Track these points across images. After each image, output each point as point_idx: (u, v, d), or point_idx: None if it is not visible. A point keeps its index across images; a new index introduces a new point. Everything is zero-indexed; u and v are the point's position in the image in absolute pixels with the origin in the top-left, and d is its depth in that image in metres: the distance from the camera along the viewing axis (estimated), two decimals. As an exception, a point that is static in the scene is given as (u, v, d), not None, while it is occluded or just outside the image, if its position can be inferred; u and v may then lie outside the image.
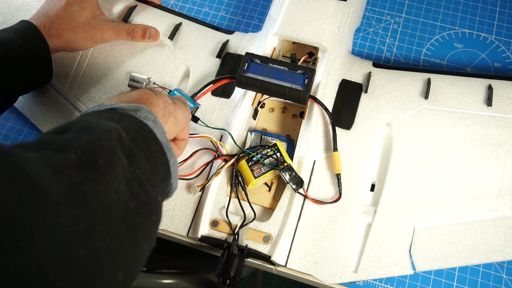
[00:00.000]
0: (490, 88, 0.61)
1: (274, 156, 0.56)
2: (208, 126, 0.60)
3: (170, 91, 0.59)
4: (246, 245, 0.54)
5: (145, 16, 0.70)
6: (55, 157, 0.32)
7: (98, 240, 0.31)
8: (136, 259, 0.35)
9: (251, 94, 0.62)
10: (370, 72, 0.64)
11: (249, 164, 0.56)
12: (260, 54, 0.63)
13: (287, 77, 0.57)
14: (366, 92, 0.62)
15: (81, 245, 0.30)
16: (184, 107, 0.52)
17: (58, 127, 0.37)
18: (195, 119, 0.58)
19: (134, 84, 0.61)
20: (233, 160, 0.57)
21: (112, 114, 0.42)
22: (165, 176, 0.43)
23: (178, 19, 0.70)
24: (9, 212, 0.26)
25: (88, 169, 0.33)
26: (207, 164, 0.58)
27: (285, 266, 0.55)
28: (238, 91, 0.63)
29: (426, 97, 0.61)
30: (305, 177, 0.57)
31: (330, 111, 0.60)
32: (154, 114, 0.44)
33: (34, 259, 0.27)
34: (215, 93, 0.64)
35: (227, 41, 0.68)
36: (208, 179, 0.57)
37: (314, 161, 0.59)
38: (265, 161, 0.56)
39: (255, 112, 0.63)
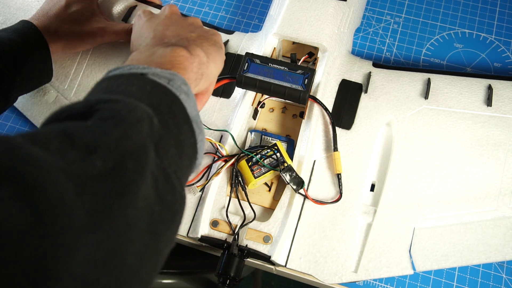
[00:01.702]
0: (490, 88, 0.61)
1: (274, 156, 0.56)
2: (209, 129, 0.60)
3: None
4: (246, 245, 0.54)
5: (145, 16, 0.70)
6: (78, 165, 0.28)
7: (121, 262, 0.28)
8: (155, 269, 0.32)
9: (251, 94, 0.62)
10: (370, 72, 0.64)
11: (249, 164, 0.56)
12: (260, 54, 0.63)
13: (287, 77, 0.57)
14: (366, 92, 0.62)
15: (103, 273, 0.26)
16: (219, 58, 0.48)
17: (84, 105, 0.33)
18: None
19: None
20: (233, 160, 0.57)
21: (143, 84, 0.37)
22: (191, 160, 0.40)
23: (178, 19, 0.70)
24: (29, 248, 0.22)
25: (115, 179, 0.29)
26: (207, 167, 0.58)
27: (285, 266, 0.55)
28: (238, 91, 0.63)
29: (426, 97, 0.61)
30: (305, 177, 0.57)
31: (330, 111, 0.60)
32: (187, 84, 0.40)
33: None
34: (215, 93, 0.64)
35: (227, 41, 0.68)
36: (208, 179, 0.57)
37: (314, 161, 0.59)
38: (265, 161, 0.56)
39: (255, 112, 0.63)
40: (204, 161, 0.59)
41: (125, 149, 0.30)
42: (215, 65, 0.48)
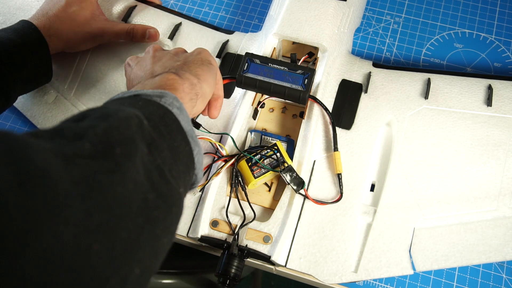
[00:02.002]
0: (490, 88, 0.61)
1: (274, 156, 0.56)
2: (210, 132, 0.60)
3: None
4: (246, 245, 0.54)
5: (145, 16, 0.70)
6: (67, 147, 0.30)
7: (113, 234, 0.29)
8: (155, 255, 0.33)
9: (251, 94, 0.62)
10: (370, 72, 0.64)
11: (249, 164, 0.56)
12: (260, 54, 0.63)
13: (287, 77, 0.57)
14: (366, 92, 0.62)
15: (94, 240, 0.28)
16: (210, 76, 0.50)
17: (77, 114, 0.35)
18: (196, 126, 0.58)
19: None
20: (233, 160, 0.57)
21: (135, 101, 0.40)
22: (189, 167, 0.41)
23: (178, 19, 0.70)
24: (13, 205, 0.24)
25: (103, 159, 0.31)
26: (207, 167, 0.58)
27: (285, 266, 0.55)
28: (238, 91, 0.63)
29: (426, 97, 0.61)
30: (305, 177, 0.57)
31: (330, 111, 0.60)
32: (179, 101, 0.42)
33: (42, 255, 0.25)
34: (215, 93, 0.64)
35: (227, 41, 0.68)
36: (208, 179, 0.57)
37: (314, 161, 0.59)
38: (265, 161, 0.56)
39: (255, 112, 0.63)
40: (204, 161, 0.59)
41: (113, 138, 0.32)
42: (207, 84, 0.50)
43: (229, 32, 0.70)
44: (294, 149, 0.59)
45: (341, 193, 0.57)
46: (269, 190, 0.59)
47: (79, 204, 0.27)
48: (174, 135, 0.39)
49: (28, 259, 0.24)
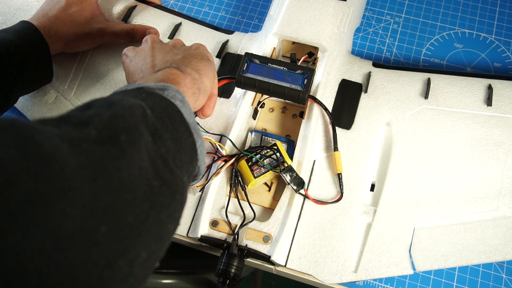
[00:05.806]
0: (490, 88, 0.61)
1: (274, 156, 0.56)
2: (207, 132, 0.60)
3: None
4: (246, 245, 0.54)
5: (145, 16, 0.70)
6: (74, 132, 0.31)
7: (120, 217, 0.30)
8: (160, 240, 0.34)
9: (251, 94, 0.62)
10: (370, 72, 0.64)
11: (249, 164, 0.56)
12: (260, 54, 0.63)
13: (286, 77, 0.57)
14: (366, 92, 0.62)
15: (102, 222, 0.28)
16: (210, 71, 0.51)
17: (82, 105, 0.36)
18: None
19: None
20: (233, 160, 0.57)
21: (138, 93, 0.40)
22: (192, 157, 0.42)
23: (178, 19, 0.70)
24: (23, 184, 0.25)
25: (109, 145, 0.32)
26: (207, 167, 0.58)
27: (285, 266, 0.55)
28: (238, 91, 0.63)
29: (426, 97, 0.61)
30: (305, 177, 0.57)
31: (330, 111, 0.60)
32: (182, 94, 0.43)
33: (51, 234, 0.26)
34: (215, 93, 0.64)
35: (227, 41, 0.68)
36: (208, 179, 0.57)
37: (314, 161, 0.59)
38: (265, 161, 0.56)
39: (255, 112, 0.63)
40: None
41: (118, 125, 0.33)
42: (208, 79, 0.51)
43: (229, 32, 0.70)
44: (294, 149, 0.59)
45: (342, 193, 0.57)
46: (269, 190, 0.59)
47: (86, 187, 0.28)
48: (177, 126, 0.40)
49: (39, 236, 0.25)
